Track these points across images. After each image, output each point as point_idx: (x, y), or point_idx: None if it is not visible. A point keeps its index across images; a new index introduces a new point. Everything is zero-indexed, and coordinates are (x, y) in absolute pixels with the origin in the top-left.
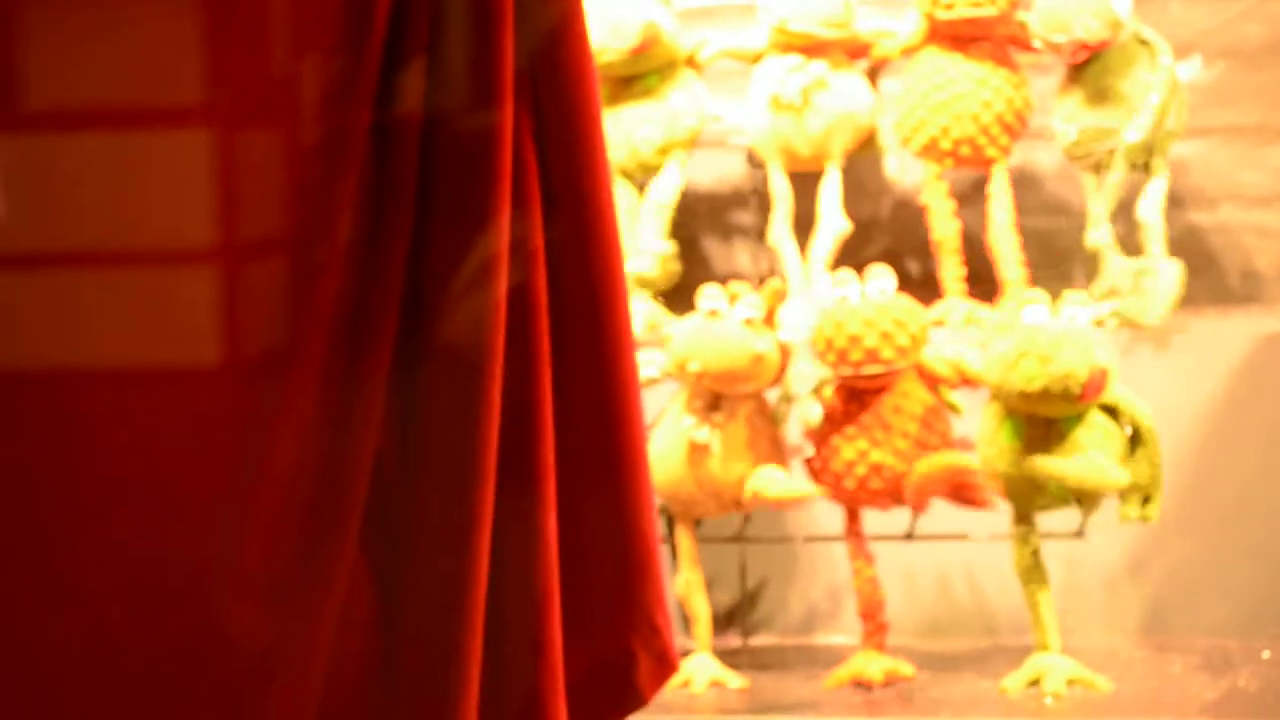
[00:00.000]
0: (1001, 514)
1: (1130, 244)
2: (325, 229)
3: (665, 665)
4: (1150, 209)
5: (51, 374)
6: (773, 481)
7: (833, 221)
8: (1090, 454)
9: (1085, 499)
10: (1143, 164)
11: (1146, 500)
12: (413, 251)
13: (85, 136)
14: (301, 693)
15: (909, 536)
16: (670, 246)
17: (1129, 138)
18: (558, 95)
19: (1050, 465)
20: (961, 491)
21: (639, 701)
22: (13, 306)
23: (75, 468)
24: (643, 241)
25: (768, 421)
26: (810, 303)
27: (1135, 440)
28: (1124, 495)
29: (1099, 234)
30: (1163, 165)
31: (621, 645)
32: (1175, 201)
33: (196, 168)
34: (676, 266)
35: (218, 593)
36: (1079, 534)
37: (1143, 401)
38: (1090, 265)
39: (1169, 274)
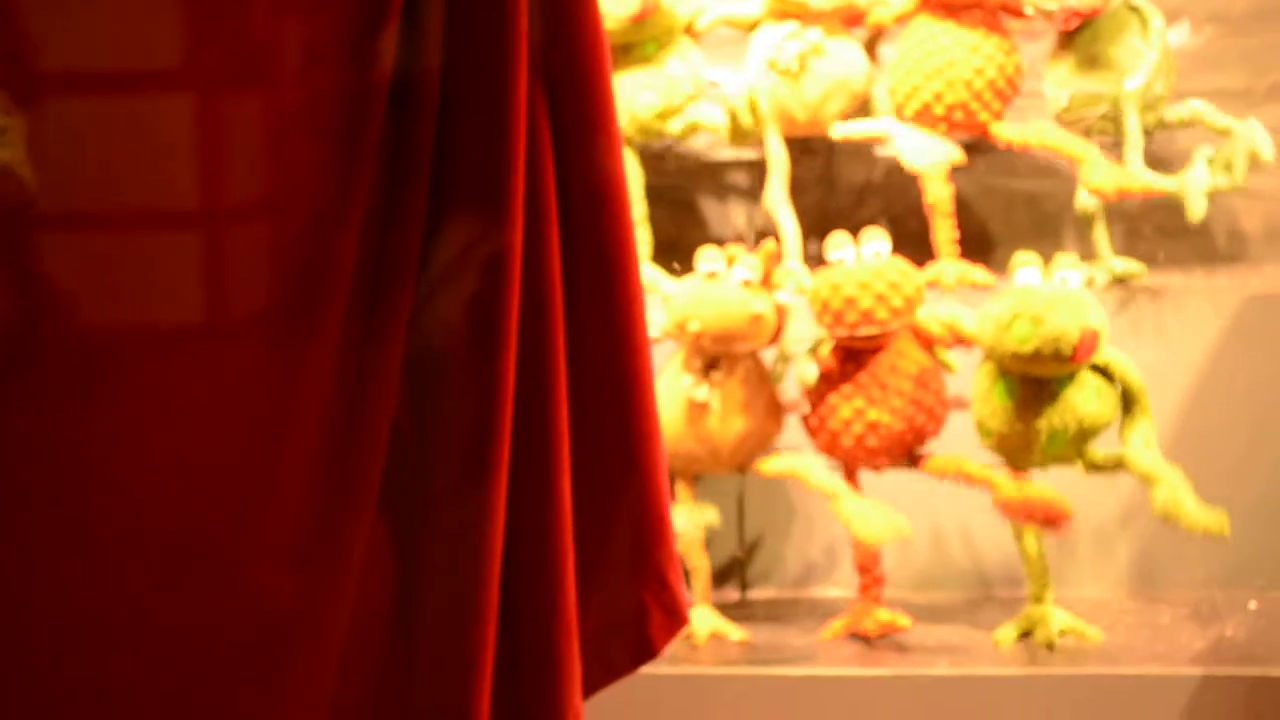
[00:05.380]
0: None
1: (1119, 208)
2: (344, 195)
3: (676, 618)
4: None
5: (72, 341)
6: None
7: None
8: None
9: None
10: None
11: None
12: (428, 219)
13: (107, 101)
14: (322, 655)
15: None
16: None
17: (1129, 86)
18: (570, 66)
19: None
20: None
21: (650, 653)
22: (33, 272)
23: (96, 434)
24: None
25: (765, 380)
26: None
27: (1127, 399)
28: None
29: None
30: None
31: (634, 599)
32: (1162, 164)
33: (216, 132)
34: None
35: (239, 556)
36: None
37: (1132, 362)
38: (1080, 227)
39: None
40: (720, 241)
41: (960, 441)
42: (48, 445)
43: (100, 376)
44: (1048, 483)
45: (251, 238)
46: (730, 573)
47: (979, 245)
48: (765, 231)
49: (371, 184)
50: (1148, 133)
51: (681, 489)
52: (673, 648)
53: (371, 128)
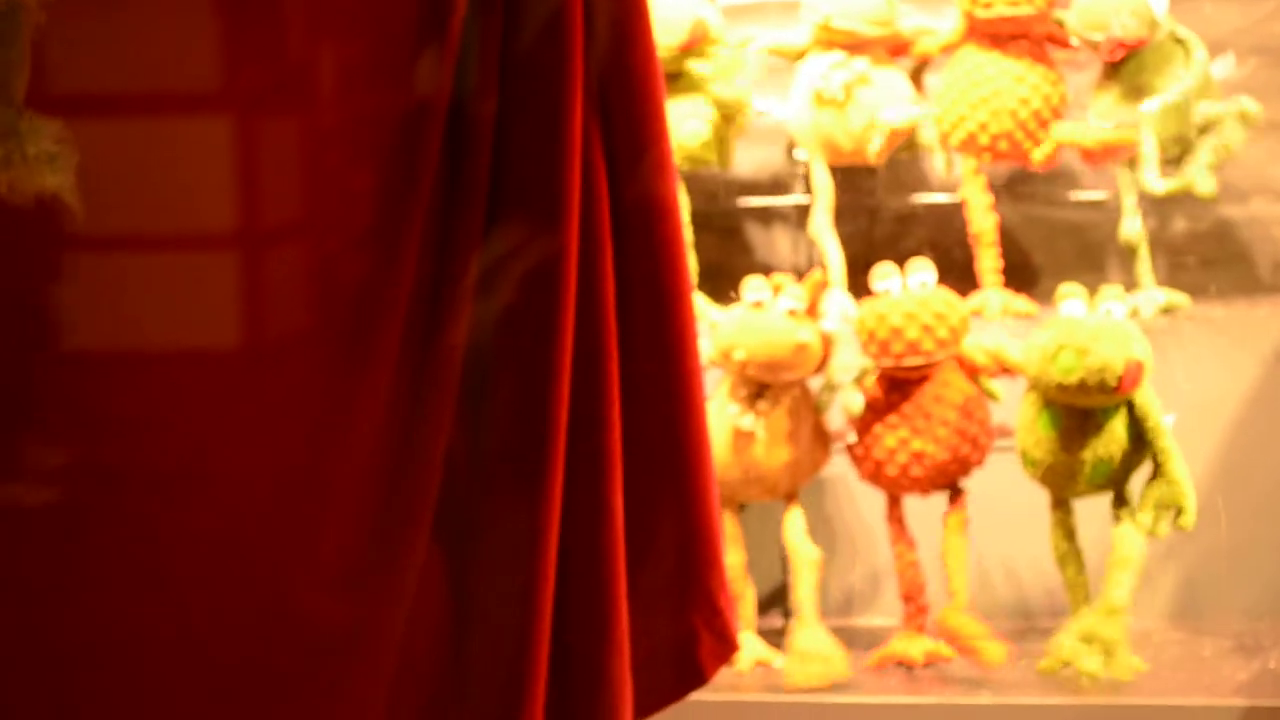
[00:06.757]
0: (1039, 500)
1: (1163, 238)
2: (402, 218)
3: (726, 644)
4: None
5: (126, 364)
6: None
7: None
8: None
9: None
10: (1177, 156)
11: (1179, 512)
12: (484, 242)
13: (160, 127)
14: (375, 677)
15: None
16: None
17: (1145, 108)
18: (624, 92)
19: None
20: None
21: (701, 679)
22: (101, 291)
23: (151, 456)
24: None
25: (810, 410)
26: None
27: (1154, 458)
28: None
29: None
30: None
31: (685, 625)
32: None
33: (271, 156)
34: None
35: (294, 578)
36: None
37: (1163, 415)
38: (1124, 258)
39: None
40: (765, 269)
41: (1004, 472)
42: (104, 467)
43: (156, 399)
44: (1089, 512)
45: (308, 261)
46: (774, 600)
47: (1023, 275)
48: (811, 260)
49: (428, 207)
50: (1178, 160)
51: (727, 517)
52: (717, 674)
53: (429, 151)
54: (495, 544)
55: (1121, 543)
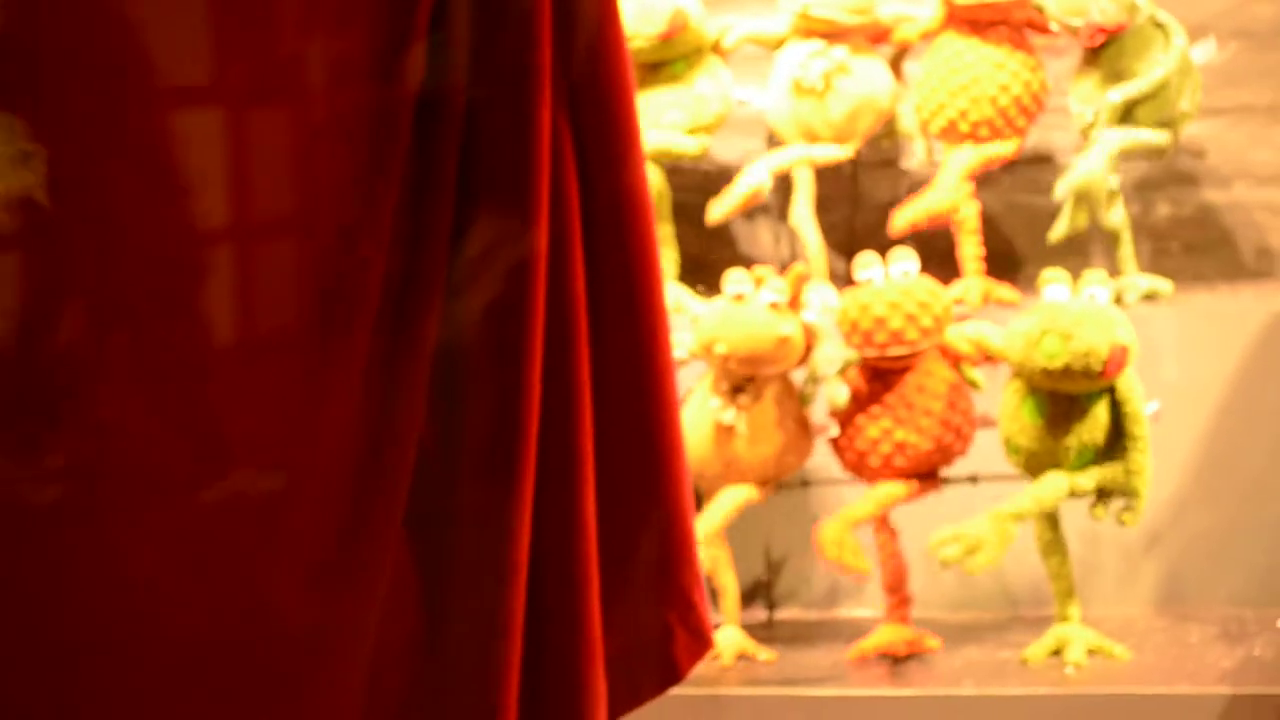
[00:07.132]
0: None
1: (1146, 223)
2: (371, 212)
3: (701, 641)
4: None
5: (107, 358)
6: None
7: None
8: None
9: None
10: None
11: (1128, 507)
12: (454, 236)
13: (134, 122)
14: (347, 673)
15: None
16: None
17: (1110, 98)
18: (593, 85)
19: None
20: None
21: (676, 676)
22: (74, 288)
23: (130, 452)
24: None
25: (794, 402)
26: None
27: (1124, 442)
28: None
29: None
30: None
31: (659, 621)
32: (1189, 180)
33: (243, 149)
34: None
35: (266, 574)
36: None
37: (1146, 402)
38: (1107, 244)
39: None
40: (747, 260)
41: (988, 459)
42: (80, 464)
43: (127, 395)
44: (1074, 502)
45: (279, 254)
46: (757, 593)
47: (1005, 262)
48: (793, 251)
49: (397, 201)
50: (1163, 151)
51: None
52: (699, 668)
53: (398, 145)
54: (467, 540)
55: (1046, 481)
